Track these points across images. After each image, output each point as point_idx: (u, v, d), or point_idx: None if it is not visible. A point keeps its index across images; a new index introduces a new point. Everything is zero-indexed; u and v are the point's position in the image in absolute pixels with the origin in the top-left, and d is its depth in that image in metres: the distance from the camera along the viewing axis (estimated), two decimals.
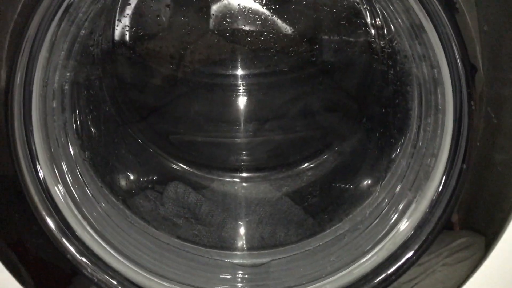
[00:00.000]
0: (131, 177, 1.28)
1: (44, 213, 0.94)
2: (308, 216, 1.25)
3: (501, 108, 0.85)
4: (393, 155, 1.14)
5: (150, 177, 1.34)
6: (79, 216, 1.00)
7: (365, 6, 1.25)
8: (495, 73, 0.83)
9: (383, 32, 1.20)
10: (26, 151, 0.91)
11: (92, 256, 0.98)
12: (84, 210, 1.02)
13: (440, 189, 0.95)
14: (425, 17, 0.86)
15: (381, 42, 1.23)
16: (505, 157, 0.88)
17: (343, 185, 1.29)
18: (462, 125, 0.89)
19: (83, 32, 1.04)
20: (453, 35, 0.83)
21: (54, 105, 1.00)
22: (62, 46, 0.98)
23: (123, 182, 1.24)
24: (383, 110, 1.25)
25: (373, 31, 1.27)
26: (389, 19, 1.08)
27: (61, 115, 1.04)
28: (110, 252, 1.02)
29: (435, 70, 0.94)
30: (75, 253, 0.97)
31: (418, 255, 0.96)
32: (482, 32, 0.81)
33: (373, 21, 1.25)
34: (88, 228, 1.01)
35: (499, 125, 0.86)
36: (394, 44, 1.13)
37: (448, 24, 0.82)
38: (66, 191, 1.00)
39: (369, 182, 1.20)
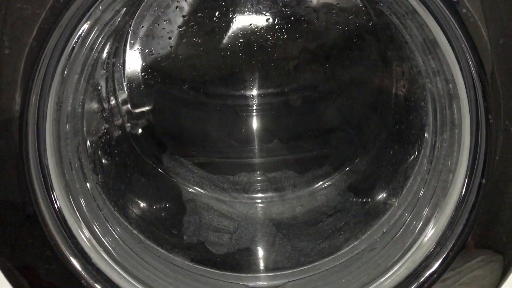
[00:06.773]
0: (144, 201, 1.27)
1: (58, 239, 0.93)
2: (324, 236, 1.23)
3: None
4: (409, 172, 1.13)
5: (164, 200, 1.33)
6: (93, 241, 0.99)
7: (378, 22, 1.25)
8: None
9: (396, 49, 1.20)
10: (40, 177, 0.91)
11: (106, 282, 0.97)
12: (98, 234, 1.01)
13: (459, 205, 0.93)
14: (439, 32, 0.86)
15: (394, 59, 1.23)
16: None
17: (358, 204, 1.27)
18: (480, 139, 0.88)
19: (96, 55, 1.05)
20: (468, 49, 0.82)
21: (68, 128, 1.00)
22: (75, 69, 0.98)
23: (135, 206, 1.23)
24: (397, 126, 1.25)
25: (386, 48, 1.27)
26: (401, 36, 1.08)
27: (74, 138, 1.03)
28: (124, 277, 1.00)
29: (450, 85, 0.94)
30: (89, 278, 0.95)
31: (439, 273, 0.94)
32: (499, 45, 0.80)
33: (386, 38, 1.25)
34: (102, 253, 1.00)
35: None
36: (407, 60, 1.13)
37: (463, 38, 0.82)
38: (80, 216, 0.99)
39: (385, 199, 1.19)
